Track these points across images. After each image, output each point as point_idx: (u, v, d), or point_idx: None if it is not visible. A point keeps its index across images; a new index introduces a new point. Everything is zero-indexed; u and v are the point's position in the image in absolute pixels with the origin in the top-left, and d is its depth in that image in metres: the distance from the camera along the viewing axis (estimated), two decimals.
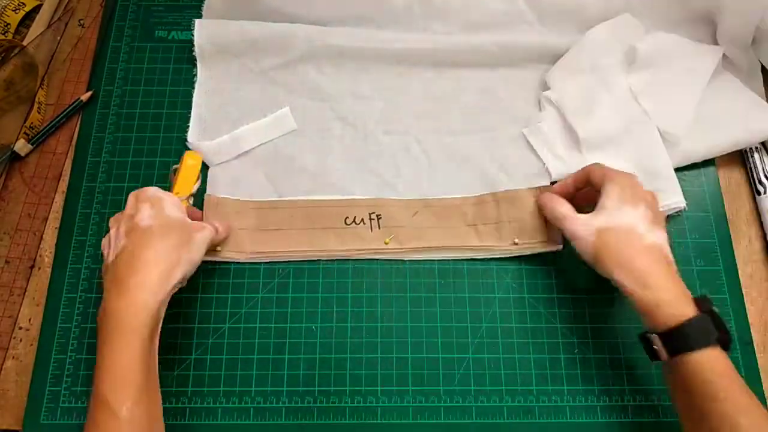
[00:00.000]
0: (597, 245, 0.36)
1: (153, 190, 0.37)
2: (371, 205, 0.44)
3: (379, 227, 0.43)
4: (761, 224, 0.45)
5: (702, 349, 0.32)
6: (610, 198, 0.37)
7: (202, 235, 0.37)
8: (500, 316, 0.42)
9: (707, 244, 0.44)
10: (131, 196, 0.37)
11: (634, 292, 0.34)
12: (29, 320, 0.41)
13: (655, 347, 0.34)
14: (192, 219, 0.38)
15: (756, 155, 0.46)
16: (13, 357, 0.40)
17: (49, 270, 0.42)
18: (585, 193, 0.41)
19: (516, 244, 0.42)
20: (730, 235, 0.44)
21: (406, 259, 0.43)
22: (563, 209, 0.39)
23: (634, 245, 0.35)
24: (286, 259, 0.43)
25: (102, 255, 0.36)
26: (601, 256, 0.36)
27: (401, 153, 0.46)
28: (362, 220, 0.43)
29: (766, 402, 0.40)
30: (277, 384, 0.40)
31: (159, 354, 0.39)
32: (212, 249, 0.41)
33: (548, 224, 0.42)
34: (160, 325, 0.34)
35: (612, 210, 0.36)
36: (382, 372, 0.40)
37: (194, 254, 0.36)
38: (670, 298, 0.33)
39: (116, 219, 0.37)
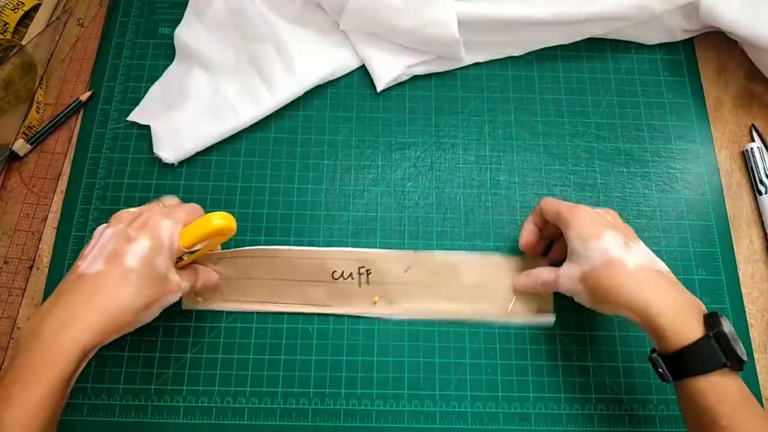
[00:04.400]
0: (587, 292, 0.35)
1: (166, 228, 0.33)
2: (360, 259, 0.42)
3: (368, 283, 0.41)
4: (762, 224, 0.45)
5: (705, 375, 0.30)
6: (573, 242, 0.35)
7: (169, 299, 0.34)
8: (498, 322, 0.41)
9: (709, 253, 0.44)
10: (148, 210, 0.34)
11: (639, 322, 0.33)
12: (28, 320, 0.41)
13: (660, 370, 0.32)
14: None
15: (757, 155, 0.46)
16: (12, 357, 0.40)
17: (47, 270, 0.42)
18: (551, 230, 0.40)
19: (511, 310, 0.41)
20: (732, 245, 0.44)
21: (393, 319, 0.41)
22: (543, 276, 0.38)
23: (619, 278, 0.33)
24: (269, 311, 0.41)
25: (84, 249, 0.34)
26: (596, 301, 0.35)
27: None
28: (350, 274, 0.41)
29: (763, 403, 0.40)
30: (272, 385, 0.40)
31: (156, 351, 0.40)
32: (193, 299, 0.41)
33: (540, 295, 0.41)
34: (76, 377, 0.31)
35: (581, 253, 0.35)
36: (377, 375, 0.40)
37: (147, 319, 0.33)
38: (672, 321, 0.31)
39: (119, 218, 0.34)
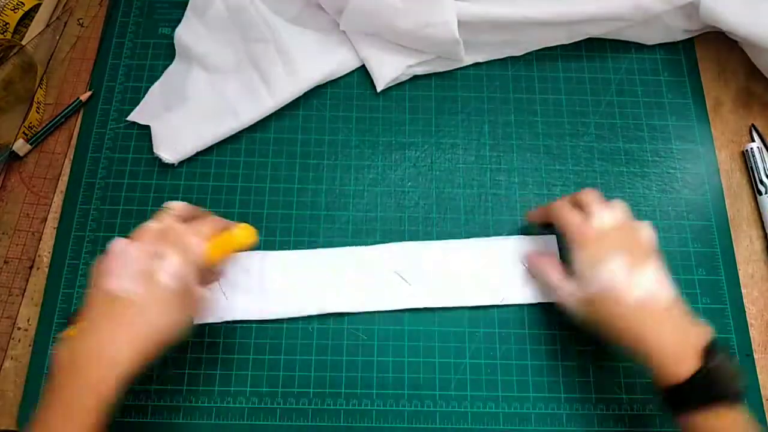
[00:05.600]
0: (586, 316, 0.35)
1: (194, 244, 0.32)
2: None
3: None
4: (762, 224, 0.45)
5: (699, 410, 0.30)
6: (578, 264, 0.35)
7: (199, 314, 0.34)
8: (498, 322, 0.41)
9: (709, 253, 0.44)
10: (170, 225, 0.33)
11: (635, 356, 0.33)
12: (28, 321, 0.41)
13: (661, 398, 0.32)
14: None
15: (757, 155, 0.46)
16: (12, 358, 0.40)
17: (47, 270, 0.42)
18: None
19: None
20: (732, 245, 0.44)
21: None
22: (552, 278, 0.37)
23: (617, 312, 0.33)
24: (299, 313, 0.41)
25: (96, 267, 0.32)
26: (595, 327, 0.35)
27: None
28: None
29: (763, 403, 0.40)
30: (272, 385, 0.40)
31: None
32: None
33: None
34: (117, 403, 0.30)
35: (585, 276, 0.34)
36: (378, 375, 0.40)
37: (181, 336, 0.32)
38: (666, 359, 0.31)
39: (143, 233, 0.32)
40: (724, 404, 0.30)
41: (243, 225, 0.36)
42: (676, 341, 0.32)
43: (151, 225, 0.34)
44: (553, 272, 0.38)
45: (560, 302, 0.37)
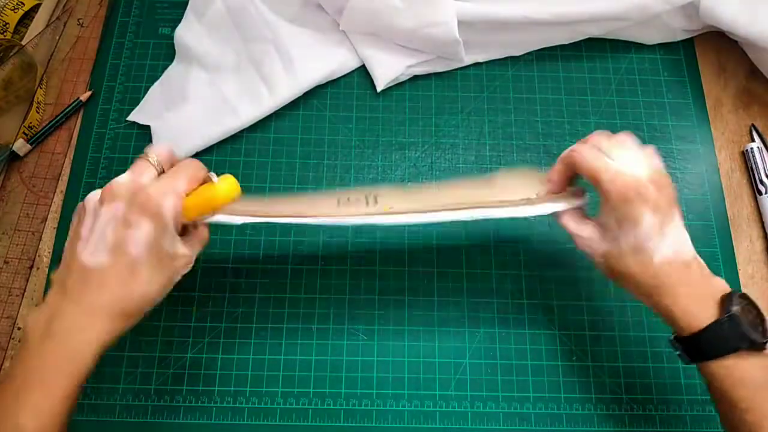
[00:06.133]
0: (608, 271, 0.34)
1: (168, 205, 0.30)
2: (368, 192, 0.38)
3: (376, 202, 0.37)
4: (762, 224, 0.45)
5: (720, 359, 0.30)
6: (606, 215, 0.33)
7: (181, 273, 0.32)
8: (498, 322, 0.41)
9: (709, 253, 0.44)
10: (140, 182, 0.30)
11: (651, 307, 0.33)
12: (32, 315, 0.41)
13: (677, 353, 0.32)
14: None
15: (757, 155, 0.46)
16: (12, 358, 0.40)
17: (47, 270, 0.42)
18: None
19: (537, 196, 0.36)
20: (732, 245, 0.44)
21: (408, 222, 0.35)
22: (571, 226, 0.35)
23: (641, 270, 0.32)
24: (278, 220, 0.36)
25: (73, 223, 0.31)
26: (615, 280, 0.34)
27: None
28: (357, 199, 0.37)
29: None
30: (272, 385, 0.40)
31: (156, 351, 0.40)
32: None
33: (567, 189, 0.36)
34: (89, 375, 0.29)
35: (613, 230, 0.33)
36: (377, 375, 0.40)
37: (161, 297, 0.31)
38: (685, 308, 0.31)
39: (113, 195, 0.30)
40: (746, 350, 0.30)
41: (225, 176, 0.32)
42: (697, 292, 0.32)
43: (123, 182, 0.31)
44: (568, 219, 0.35)
45: (577, 247, 0.35)
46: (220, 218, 0.34)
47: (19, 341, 0.41)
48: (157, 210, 0.30)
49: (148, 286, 0.30)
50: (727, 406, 0.30)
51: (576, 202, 0.35)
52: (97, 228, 0.30)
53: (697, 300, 0.31)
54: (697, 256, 0.33)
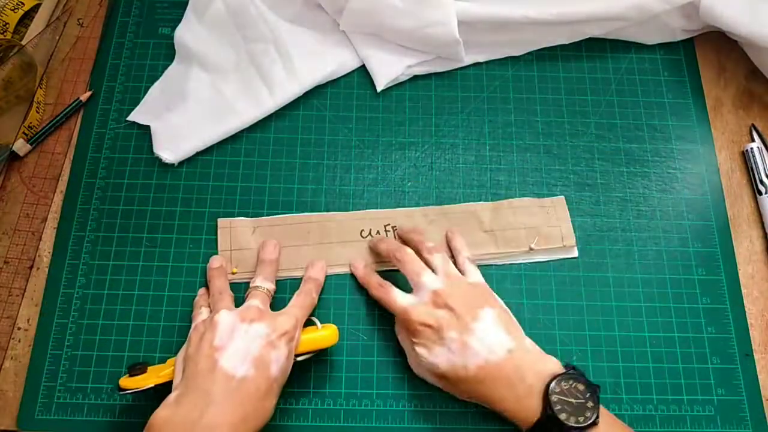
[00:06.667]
0: (436, 383, 0.37)
1: (298, 335, 0.35)
2: (386, 218, 0.43)
3: (396, 238, 0.43)
4: (762, 224, 0.45)
5: None
6: (416, 352, 0.36)
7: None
8: None
9: (709, 253, 0.44)
10: (289, 315, 0.35)
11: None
12: (28, 321, 0.41)
13: None
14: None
15: (757, 155, 0.46)
16: (12, 357, 0.40)
17: (47, 270, 0.42)
18: None
19: (532, 249, 0.42)
20: (732, 245, 0.44)
21: None
22: (396, 303, 0.37)
23: (461, 382, 0.34)
24: (302, 275, 0.42)
25: (199, 333, 0.34)
26: (445, 389, 0.37)
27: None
28: (377, 232, 0.43)
29: (763, 403, 0.40)
30: None
31: (156, 351, 0.40)
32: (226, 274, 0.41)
33: (564, 232, 0.43)
34: None
35: (424, 357, 0.35)
36: (378, 375, 0.40)
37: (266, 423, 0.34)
38: (513, 411, 0.33)
39: (259, 315, 0.35)
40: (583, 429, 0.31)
41: (329, 326, 0.38)
42: (515, 393, 0.33)
43: (255, 305, 0.36)
44: (399, 298, 0.37)
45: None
46: (245, 278, 0.42)
47: (19, 341, 0.41)
48: (291, 339, 0.34)
49: (272, 404, 0.33)
50: None
51: (568, 253, 0.43)
52: (239, 343, 0.33)
53: (520, 400, 0.33)
54: (512, 345, 0.34)
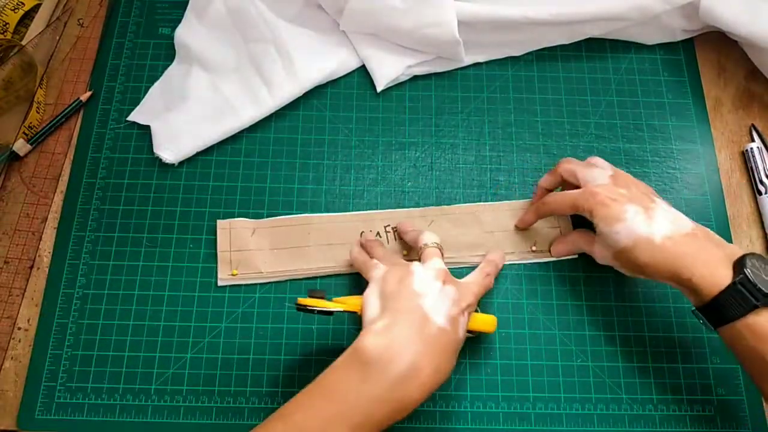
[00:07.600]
0: (622, 267, 0.37)
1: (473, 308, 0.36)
2: (386, 218, 0.43)
3: (396, 239, 0.43)
4: (762, 224, 0.45)
5: (741, 318, 0.32)
6: (599, 226, 0.36)
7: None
8: (498, 322, 0.41)
9: None
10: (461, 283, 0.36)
11: (679, 288, 0.35)
12: (28, 321, 0.41)
13: (701, 321, 0.34)
14: None
15: (757, 155, 0.46)
16: (12, 358, 0.40)
17: (47, 270, 0.42)
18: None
19: (533, 251, 0.43)
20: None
21: None
22: (580, 246, 0.40)
23: (649, 255, 0.35)
24: (304, 277, 0.42)
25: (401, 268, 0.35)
26: (633, 273, 0.37)
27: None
28: (378, 233, 0.43)
29: (763, 403, 0.40)
30: (272, 385, 0.40)
31: (156, 351, 0.40)
32: (228, 275, 0.42)
33: (563, 233, 0.43)
34: None
35: (609, 236, 0.36)
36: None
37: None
38: (702, 278, 0.33)
39: (446, 276, 0.35)
40: (764, 306, 0.31)
41: (491, 316, 0.38)
42: (709, 259, 0.33)
43: (446, 270, 0.36)
44: (581, 241, 0.40)
45: (598, 262, 0.39)
46: (246, 280, 0.42)
47: (19, 341, 0.41)
48: (472, 310, 0.36)
49: (453, 366, 0.33)
50: (756, 362, 0.32)
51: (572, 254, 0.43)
52: (436, 296, 0.33)
53: (712, 266, 0.33)
54: (700, 226, 0.36)
